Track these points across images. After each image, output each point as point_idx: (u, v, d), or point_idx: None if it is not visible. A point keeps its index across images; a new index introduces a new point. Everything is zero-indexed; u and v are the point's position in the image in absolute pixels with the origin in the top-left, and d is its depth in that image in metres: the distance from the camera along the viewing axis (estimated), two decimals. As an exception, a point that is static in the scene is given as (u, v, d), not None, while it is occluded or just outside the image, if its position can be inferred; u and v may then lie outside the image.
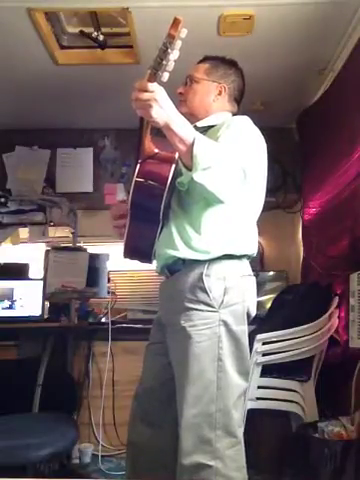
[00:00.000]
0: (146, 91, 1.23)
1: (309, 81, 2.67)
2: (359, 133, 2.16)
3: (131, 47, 2.35)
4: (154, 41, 2.24)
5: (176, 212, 1.51)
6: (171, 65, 1.19)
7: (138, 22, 2.12)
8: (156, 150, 1.43)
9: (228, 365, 1.43)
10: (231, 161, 1.36)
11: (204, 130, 1.54)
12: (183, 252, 1.48)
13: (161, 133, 1.34)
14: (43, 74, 2.56)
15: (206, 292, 1.44)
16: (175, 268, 1.52)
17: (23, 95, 2.81)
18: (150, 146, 1.44)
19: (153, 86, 1.23)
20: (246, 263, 1.56)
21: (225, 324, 1.44)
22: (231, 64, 1.70)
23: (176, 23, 1.15)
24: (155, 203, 1.43)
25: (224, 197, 1.38)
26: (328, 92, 2.63)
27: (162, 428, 1.58)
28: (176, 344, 1.48)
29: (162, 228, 1.50)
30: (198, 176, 1.29)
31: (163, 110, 1.25)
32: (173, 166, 1.41)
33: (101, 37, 2.26)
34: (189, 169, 1.31)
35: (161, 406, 1.59)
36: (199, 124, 1.59)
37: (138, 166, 1.42)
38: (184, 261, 1.49)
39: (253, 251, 1.57)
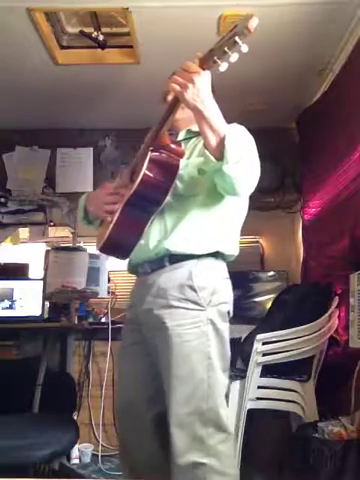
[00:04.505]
0: (191, 72, 1.23)
1: (309, 81, 2.67)
2: (359, 133, 2.16)
3: (131, 47, 2.35)
4: (154, 41, 2.25)
5: (171, 204, 1.50)
6: (235, 57, 1.17)
7: (138, 22, 2.12)
8: (168, 142, 1.44)
9: (216, 363, 1.45)
10: (254, 158, 1.38)
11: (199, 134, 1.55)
12: (175, 245, 1.48)
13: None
14: (43, 74, 2.56)
15: (195, 291, 1.46)
16: (158, 265, 1.52)
17: (23, 95, 2.81)
18: (165, 137, 1.44)
19: (199, 69, 1.23)
20: (225, 266, 1.58)
21: (212, 323, 1.46)
22: None
23: (254, 21, 1.11)
24: (160, 194, 1.43)
25: (242, 190, 1.39)
26: (328, 92, 2.63)
27: (146, 430, 1.57)
28: (163, 343, 1.46)
29: (153, 220, 1.49)
30: (228, 168, 1.30)
31: (199, 95, 1.25)
32: (182, 160, 1.44)
33: (101, 37, 2.25)
34: (217, 158, 1.31)
35: (144, 408, 1.57)
36: (194, 128, 1.58)
37: (149, 154, 1.40)
38: (170, 258, 1.50)
39: (236, 254, 1.60)
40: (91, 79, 2.64)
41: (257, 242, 3.33)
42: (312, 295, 2.50)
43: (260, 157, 1.40)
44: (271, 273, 3.21)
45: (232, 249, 1.58)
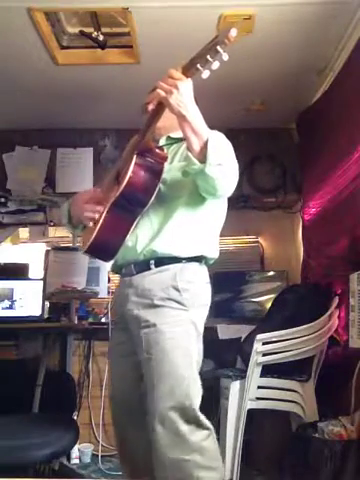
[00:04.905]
0: (175, 78, 1.30)
1: (309, 81, 2.67)
2: (359, 133, 2.16)
3: (131, 47, 2.35)
4: (154, 41, 2.25)
5: (157, 207, 1.55)
6: (216, 65, 1.23)
7: (138, 22, 2.12)
8: (152, 147, 1.51)
9: (194, 362, 1.50)
10: (234, 162, 1.46)
11: (179, 140, 1.62)
12: (162, 247, 1.53)
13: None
14: (43, 74, 2.56)
15: (179, 291, 1.51)
16: (144, 267, 1.56)
17: (23, 95, 2.81)
18: (149, 142, 1.52)
19: (182, 76, 1.30)
20: (207, 271, 1.64)
21: (193, 323, 1.52)
22: None
23: (233, 31, 1.20)
24: (145, 196, 1.48)
25: (222, 192, 1.47)
26: (328, 92, 2.63)
27: (144, 423, 1.58)
28: (147, 341, 1.50)
29: (138, 222, 1.54)
30: (210, 170, 1.37)
31: (182, 101, 1.31)
32: (165, 163, 1.51)
33: (101, 37, 2.25)
34: (199, 161, 1.37)
35: (138, 403, 1.61)
36: (173, 135, 1.66)
37: (135, 158, 1.46)
38: (156, 260, 1.54)
39: (216, 256, 1.66)
40: (91, 79, 2.64)
41: (257, 242, 3.33)
42: (312, 295, 2.51)
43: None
44: (271, 273, 3.21)
45: (213, 252, 1.64)
